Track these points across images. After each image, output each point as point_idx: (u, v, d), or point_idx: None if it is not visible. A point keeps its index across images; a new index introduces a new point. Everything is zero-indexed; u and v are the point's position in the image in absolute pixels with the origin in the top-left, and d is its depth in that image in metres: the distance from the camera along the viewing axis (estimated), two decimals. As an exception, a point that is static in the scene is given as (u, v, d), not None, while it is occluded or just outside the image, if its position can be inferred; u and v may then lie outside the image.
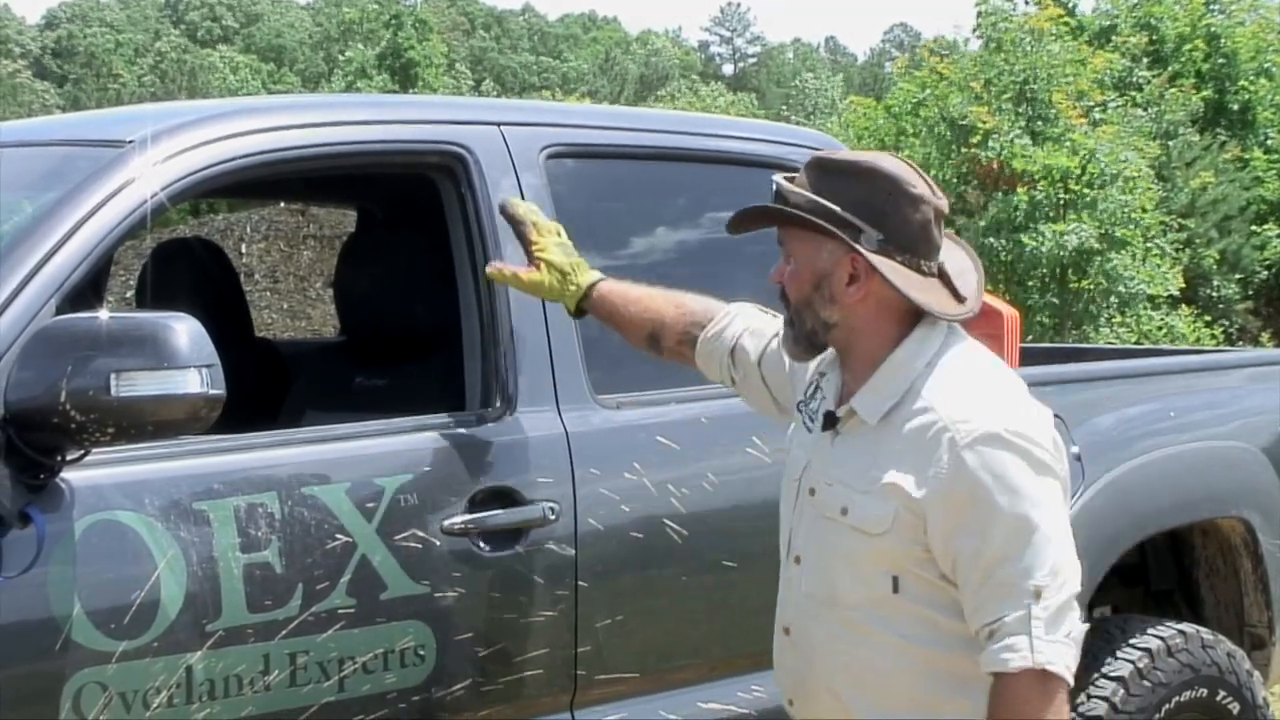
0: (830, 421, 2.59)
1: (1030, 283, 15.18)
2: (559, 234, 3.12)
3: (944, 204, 2.56)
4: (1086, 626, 2.49)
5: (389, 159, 3.28)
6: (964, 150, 15.13)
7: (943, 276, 2.55)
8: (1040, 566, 2.38)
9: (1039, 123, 14.92)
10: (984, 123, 14.80)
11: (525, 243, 3.10)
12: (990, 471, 2.39)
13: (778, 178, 2.58)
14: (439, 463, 3.00)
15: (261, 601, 2.72)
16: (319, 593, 2.78)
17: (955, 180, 15.44)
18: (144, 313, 2.62)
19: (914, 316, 2.54)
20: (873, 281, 2.50)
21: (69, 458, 2.54)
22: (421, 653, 2.91)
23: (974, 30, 17.62)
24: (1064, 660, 2.39)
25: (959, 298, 2.55)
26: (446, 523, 2.95)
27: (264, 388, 3.79)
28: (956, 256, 2.61)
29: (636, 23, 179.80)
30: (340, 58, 59.08)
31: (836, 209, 2.48)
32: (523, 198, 3.23)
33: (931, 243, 2.53)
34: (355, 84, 49.16)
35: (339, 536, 2.82)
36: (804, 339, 2.58)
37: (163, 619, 2.61)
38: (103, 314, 2.51)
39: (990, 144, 14.69)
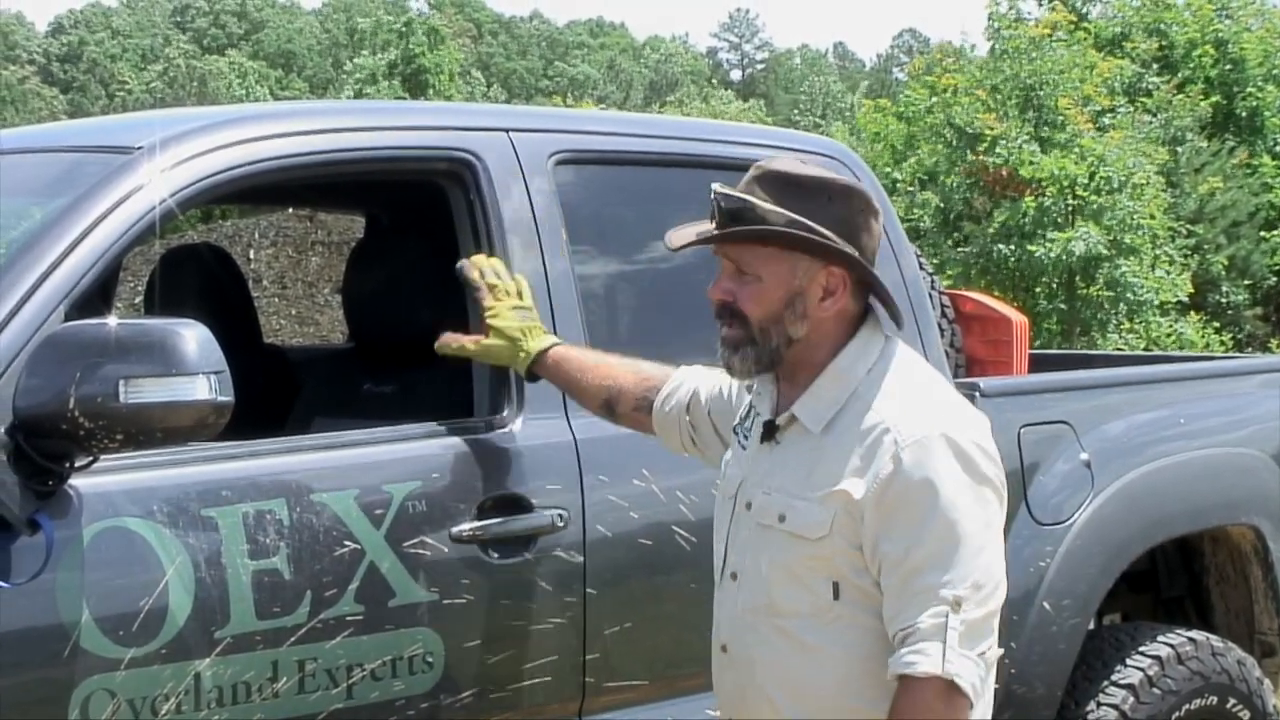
0: (770, 432, 2.56)
1: (1038, 289, 15.20)
2: (519, 295, 3.11)
3: None
4: (1000, 651, 2.44)
5: (397, 165, 3.28)
6: (972, 157, 15.13)
7: None
8: (964, 578, 2.33)
9: (1045, 128, 14.91)
10: (991, 129, 14.80)
11: (478, 307, 3.09)
12: (927, 474, 2.35)
13: (732, 191, 2.52)
14: (448, 470, 3.00)
15: (270, 608, 2.72)
16: (327, 600, 2.78)
17: (963, 186, 15.45)
18: (152, 319, 2.62)
19: (858, 323, 2.53)
20: (843, 295, 2.50)
21: (77, 464, 2.54)
22: (430, 660, 2.90)
23: (984, 34, 17.61)
24: (972, 677, 2.33)
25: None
26: (455, 530, 2.95)
27: (272, 394, 3.79)
28: None
29: (644, 29, 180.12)
30: (350, 63, 59.10)
31: (827, 231, 2.45)
32: (531, 204, 3.23)
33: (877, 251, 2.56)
34: (364, 91, 49.18)
35: (347, 543, 2.81)
36: (765, 356, 2.51)
37: (171, 626, 2.61)
38: (111, 320, 2.51)
39: (998, 150, 14.69)
